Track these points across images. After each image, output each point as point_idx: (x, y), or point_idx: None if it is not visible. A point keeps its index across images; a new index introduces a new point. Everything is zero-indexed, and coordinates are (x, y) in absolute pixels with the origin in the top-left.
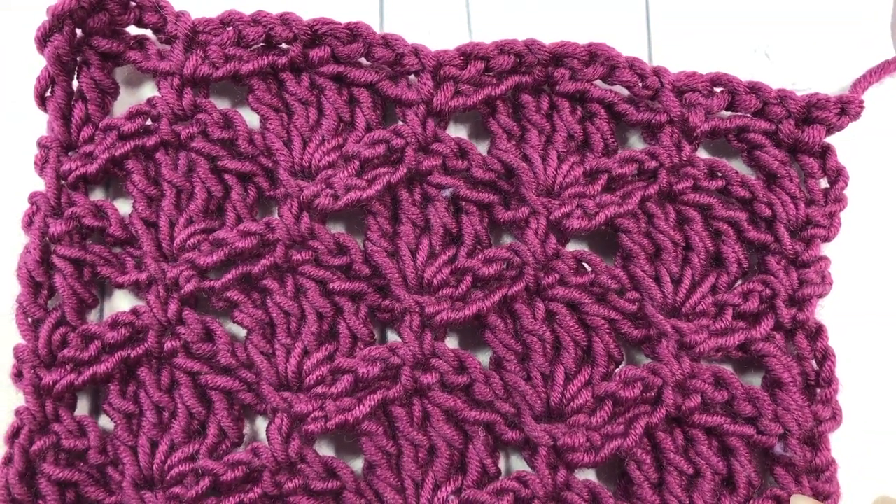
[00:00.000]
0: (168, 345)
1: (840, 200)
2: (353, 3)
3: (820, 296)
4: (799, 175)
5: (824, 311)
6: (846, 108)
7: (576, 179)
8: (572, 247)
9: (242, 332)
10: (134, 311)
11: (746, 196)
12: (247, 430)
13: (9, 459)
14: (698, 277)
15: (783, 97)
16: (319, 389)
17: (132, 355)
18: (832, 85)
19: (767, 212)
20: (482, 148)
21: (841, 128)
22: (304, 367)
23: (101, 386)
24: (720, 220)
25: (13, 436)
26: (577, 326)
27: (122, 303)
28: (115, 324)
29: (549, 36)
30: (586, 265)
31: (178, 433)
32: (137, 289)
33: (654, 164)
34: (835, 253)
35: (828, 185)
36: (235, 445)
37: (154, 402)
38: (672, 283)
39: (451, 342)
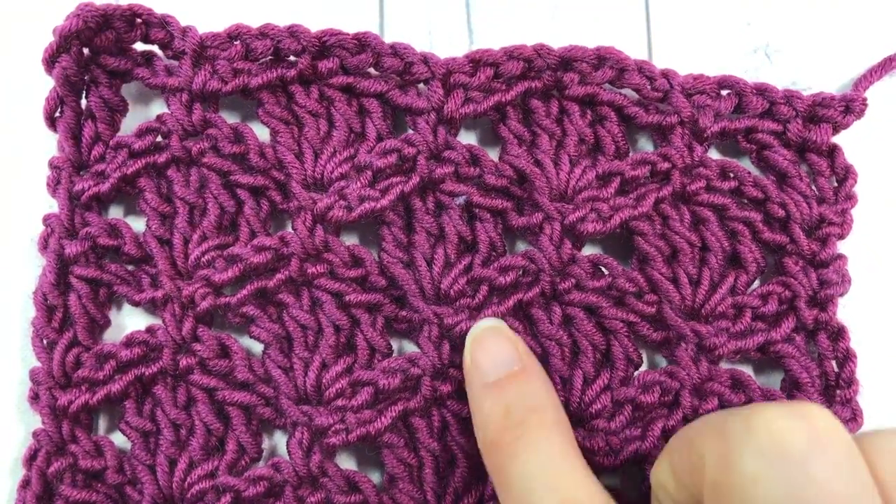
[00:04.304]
0: (183, 362)
1: (851, 198)
2: (353, 3)
3: (841, 295)
4: (808, 175)
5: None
6: (850, 107)
7: (589, 183)
8: (588, 251)
9: (258, 348)
10: (149, 330)
11: (759, 196)
12: (265, 444)
13: (27, 483)
14: (717, 278)
15: (790, 97)
16: (339, 402)
17: (147, 373)
18: (832, 84)
19: (781, 212)
20: (493, 155)
21: (847, 126)
22: (323, 381)
23: (117, 406)
24: (735, 220)
25: (31, 459)
26: (594, 330)
27: (129, 319)
28: (129, 342)
29: (548, 35)
30: (603, 269)
31: (196, 450)
32: (153, 307)
33: (666, 165)
34: (845, 251)
35: (836, 184)
36: (255, 461)
37: (171, 420)
38: (690, 285)
39: None
